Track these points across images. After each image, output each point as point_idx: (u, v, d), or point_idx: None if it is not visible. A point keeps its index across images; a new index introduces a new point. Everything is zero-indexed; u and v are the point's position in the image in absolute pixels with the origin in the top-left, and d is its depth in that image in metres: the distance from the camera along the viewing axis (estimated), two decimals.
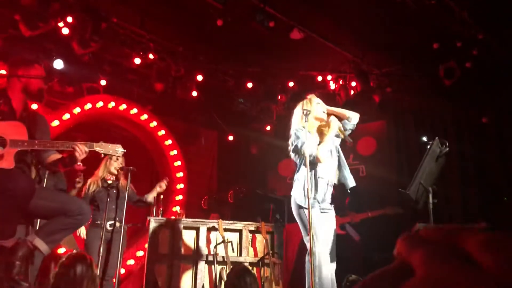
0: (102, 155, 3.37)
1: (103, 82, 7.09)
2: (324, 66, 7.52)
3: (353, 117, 4.12)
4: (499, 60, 6.21)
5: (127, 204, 4.95)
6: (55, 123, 6.67)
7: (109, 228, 5.09)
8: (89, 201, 5.19)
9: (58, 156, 3.29)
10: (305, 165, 3.72)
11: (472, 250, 0.46)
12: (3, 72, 3.74)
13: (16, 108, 3.29)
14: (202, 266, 5.07)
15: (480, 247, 0.45)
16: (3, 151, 3.00)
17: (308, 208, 3.62)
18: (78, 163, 3.25)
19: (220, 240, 5.05)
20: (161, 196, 5.72)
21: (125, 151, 3.30)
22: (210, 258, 5.06)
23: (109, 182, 5.25)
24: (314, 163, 3.85)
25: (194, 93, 7.43)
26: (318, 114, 4.05)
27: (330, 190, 3.95)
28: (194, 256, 5.09)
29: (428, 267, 0.47)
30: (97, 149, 3.20)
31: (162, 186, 5.44)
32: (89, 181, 5.34)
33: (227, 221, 5.31)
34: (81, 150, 3.08)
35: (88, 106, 7.09)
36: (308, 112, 3.88)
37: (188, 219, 5.30)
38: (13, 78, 3.31)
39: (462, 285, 0.43)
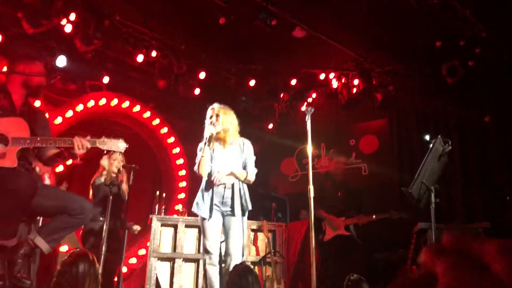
0: (105, 151, 3.35)
1: (105, 80, 7.08)
2: (326, 64, 7.51)
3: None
4: (502, 59, 6.19)
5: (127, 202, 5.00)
6: (58, 120, 6.68)
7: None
8: (101, 195, 5.23)
9: (57, 151, 3.28)
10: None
11: (487, 258, 0.47)
12: (4, 68, 3.73)
13: (16, 103, 3.28)
14: None
15: (494, 255, 0.46)
16: (5, 149, 2.99)
17: (310, 208, 3.63)
18: (78, 158, 3.25)
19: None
20: (164, 194, 5.73)
21: (127, 146, 3.28)
22: None
23: (111, 180, 5.27)
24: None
25: (197, 91, 7.42)
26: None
27: (231, 192, 4.08)
28: (196, 255, 5.10)
29: (452, 277, 0.49)
30: (99, 145, 3.18)
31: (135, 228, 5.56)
32: (94, 177, 5.39)
33: None
34: (80, 144, 3.06)
35: (91, 103, 7.09)
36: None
37: (190, 218, 5.30)
38: (15, 73, 3.31)
39: None
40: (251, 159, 4.23)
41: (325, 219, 5.96)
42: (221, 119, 4.14)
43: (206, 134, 4.09)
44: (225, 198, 4.06)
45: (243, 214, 4.08)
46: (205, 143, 4.04)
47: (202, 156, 4.05)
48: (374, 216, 5.84)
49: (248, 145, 4.27)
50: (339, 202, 6.12)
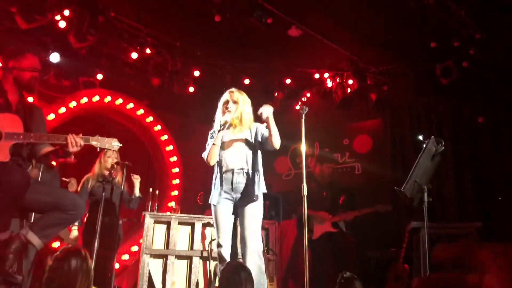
0: (98, 149, 3.35)
1: (99, 76, 7.06)
2: (321, 64, 7.52)
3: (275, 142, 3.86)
4: (496, 60, 6.22)
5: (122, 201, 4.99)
6: (51, 116, 6.65)
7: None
8: (86, 196, 5.24)
9: (51, 148, 3.27)
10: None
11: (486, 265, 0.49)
12: None
13: (11, 100, 3.26)
14: (197, 262, 5.06)
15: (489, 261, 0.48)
16: None
17: (303, 205, 3.63)
18: (71, 157, 3.23)
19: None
20: (157, 192, 5.71)
21: (121, 145, 3.28)
22: (205, 254, 5.06)
23: (105, 177, 5.26)
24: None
25: (191, 89, 7.41)
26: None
27: (242, 177, 3.84)
28: (189, 252, 5.09)
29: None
30: (93, 143, 3.18)
31: (135, 177, 5.52)
32: (86, 176, 5.38)
33: None
34: (73, 141, 3.05)
35: (84, 100, 7.07)
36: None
37: (183, 215, 5.29)
38: (7, 69, 3.28)
39: None
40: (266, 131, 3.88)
41: (312, 218, 6.01)
42: (239, 107, 3.93)
43: (221, 120, 3.81)
44: (235, 184, 3.81)
45: (255, 199, 3.81)
46: (219, 130, 3.79)
47: (214, 144, 3.80)
48: (358, 212, 5.93)
49: (260, 127, 3.97)
50: (325, 201, 6.17)
